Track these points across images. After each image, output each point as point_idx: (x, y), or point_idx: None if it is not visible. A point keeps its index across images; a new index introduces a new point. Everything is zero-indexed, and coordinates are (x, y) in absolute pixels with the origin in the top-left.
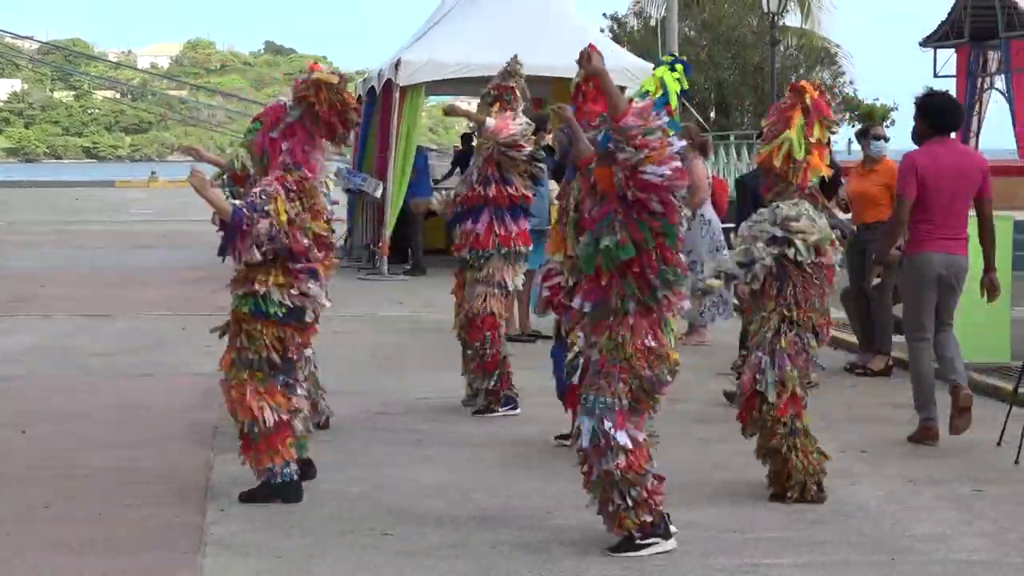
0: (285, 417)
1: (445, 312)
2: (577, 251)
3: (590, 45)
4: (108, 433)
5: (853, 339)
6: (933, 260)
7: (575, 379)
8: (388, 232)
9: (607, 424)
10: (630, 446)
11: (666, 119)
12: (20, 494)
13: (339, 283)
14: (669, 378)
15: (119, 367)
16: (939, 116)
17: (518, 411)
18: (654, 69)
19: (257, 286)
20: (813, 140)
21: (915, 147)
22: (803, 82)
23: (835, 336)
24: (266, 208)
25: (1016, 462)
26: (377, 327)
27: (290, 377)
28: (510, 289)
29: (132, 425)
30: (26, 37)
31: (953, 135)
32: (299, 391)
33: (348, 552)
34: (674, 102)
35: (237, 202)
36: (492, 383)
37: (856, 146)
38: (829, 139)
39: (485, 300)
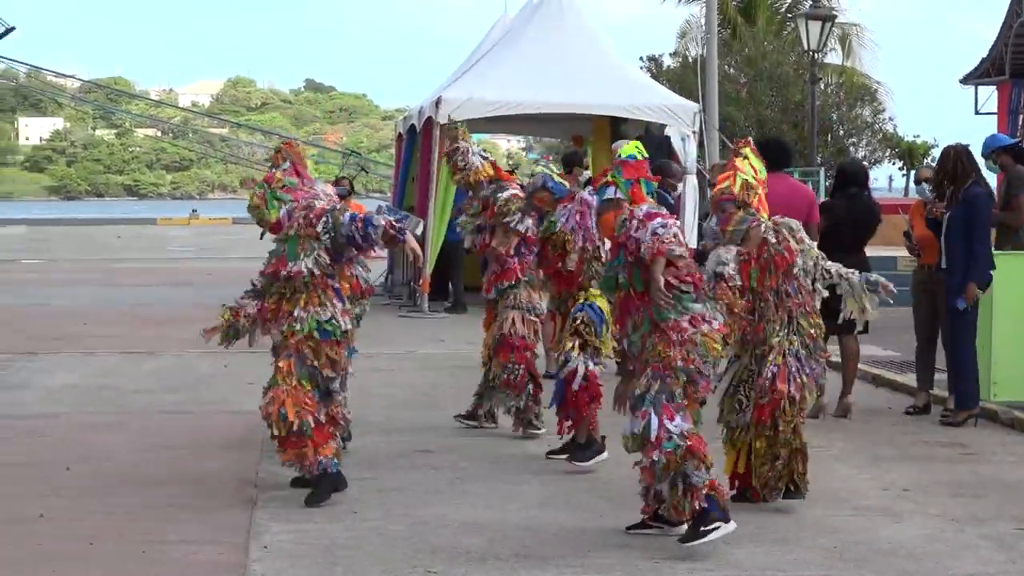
0: (326, 421)
1: None
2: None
3: None
4: (150, 471)
5: (897, 378)
6: None
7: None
8: (428, 270)
9: (656, 416)
10: (684, 432)
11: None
12: (65, 531)
13: (380, 321)
14: (715, 368)
15: (161, 405)
16: (766, 155)
17: (542, 431)
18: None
19: (317, 315)
20: (758, 175)
21: None
22: (740, 141)
23: (879, 375)
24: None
25: None
26: (417, 365)
27: (332, 388)
28: (539, 311)
29: (174, 463)
30: (68, 76)
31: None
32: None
33: None
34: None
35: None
36: (522, 403)
37: (897, 183)
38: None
39: (514, 323)
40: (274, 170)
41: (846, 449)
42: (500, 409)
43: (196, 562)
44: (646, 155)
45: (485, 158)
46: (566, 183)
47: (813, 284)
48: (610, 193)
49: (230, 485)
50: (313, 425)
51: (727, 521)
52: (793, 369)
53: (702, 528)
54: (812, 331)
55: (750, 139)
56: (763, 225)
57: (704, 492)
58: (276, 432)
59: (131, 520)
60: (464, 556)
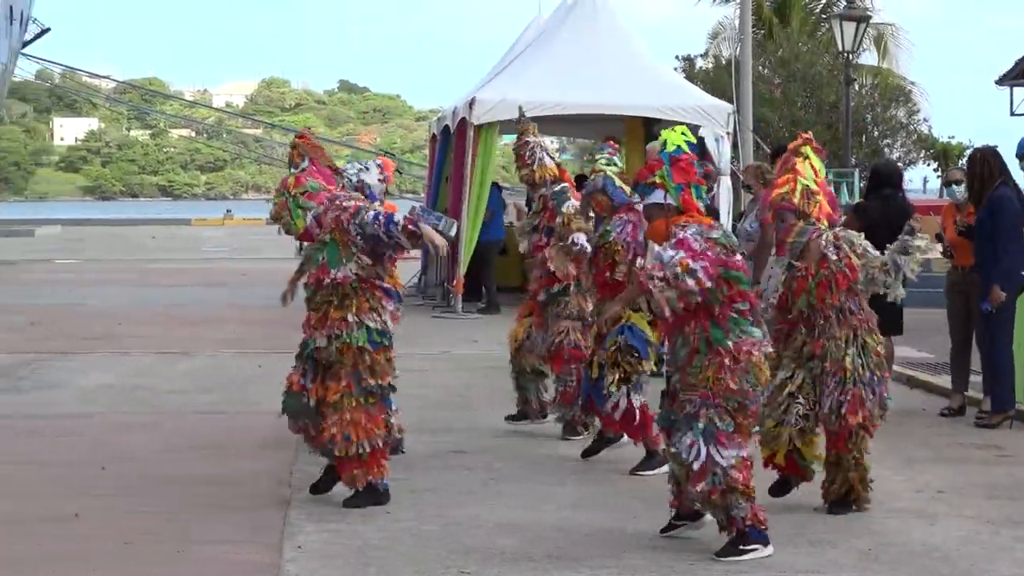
0: (384, 442)
1: None
2: None
3: None
4: (185, 471)
5: (932, 380)
6: None
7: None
8: (462, 270)
9: (705, 447)
10: (732, 463)
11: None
12: (100, 531)
13: (413, 321)
14: (761, 393)
15: (195, 405)
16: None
17: (580, 436)
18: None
19: (369, 322)
20: (818, 178)
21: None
22: (801, 136)
23: (914, 377)
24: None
25: None
26: (451, 365)
27: (388, 400)
28: (589, 320)
29: (208, 463)
30: (103, 76)
31: None
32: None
33: None
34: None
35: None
36: (572, 414)
37: (932, 184)
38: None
39: (568, 333)
40: (292, 172)
41: (880, 451)
42: (553, 416)
43: (230, 562)
44: (694, 141)
45: (551, 157)
46: (627, 189)
47: (886, 288)
48: (659, 197)
49: (264, 485)
50: (369, 449)
51: (766, 545)
52: (852, 397)
53: (741, 547)
54: (878, 348)
55: (810, 135)
56: (824, 237)
57: (746, 522)
58: (338, 453)
59: (165, 520)
60: (498, 557)
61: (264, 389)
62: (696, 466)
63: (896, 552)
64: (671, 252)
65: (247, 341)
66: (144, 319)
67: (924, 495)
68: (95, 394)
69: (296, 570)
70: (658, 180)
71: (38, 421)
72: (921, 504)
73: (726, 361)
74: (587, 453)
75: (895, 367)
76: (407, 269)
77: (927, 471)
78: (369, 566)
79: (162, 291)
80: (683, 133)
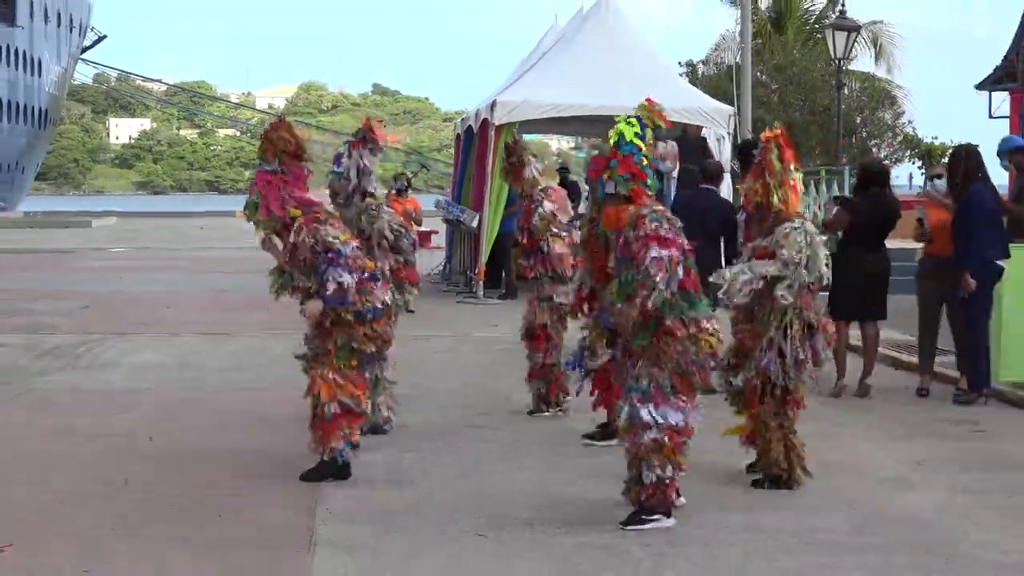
0: (358, 407)
1: None
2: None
3: None
4: (227, 441)
5: (915, 360)
6: None
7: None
8: (483, 260)
9: (643, 405)
10: (664, 424)
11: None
12: (147, 495)
13: (438, 306)
14: (711, 362)
15: (238, 382)
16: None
17: (563, 413)
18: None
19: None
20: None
21: None
22: (768, 132)
23: (896, 358)
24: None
25: None
26: (474, 346)
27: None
28: (557, 302)
29: (248, 435)
30: (155, 80)
31: None
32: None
33: (444, 552)
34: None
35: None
36: (542, 388)
37: (917, 181)
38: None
39: (537, 315)
40: (262, 169)
41: (865, 426)
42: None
43: (267, 525)
44: (652, 131)
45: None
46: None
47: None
48: (610, 188)
49: (299, 455)
50: (335, 411)
51: (668, 516)
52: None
53: (643, 516)
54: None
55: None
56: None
57: (659, 488)
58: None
59: (207, 487)
60: (515, 521)
61: (299, 367)
62: (632, 423)
63: (878, 519)
64: (665, 252)
65: (285, 324)
66: (191, 304)
67: (905, 467)
68: (145, 372)
69: (327, 533)
70: (606, 176)
71: (93, 396)
72: (901, 474)
73: (667, 336)
74: (589, 436)
75: (881, 349)
76: (433, 258)
77: (907, 445)
78: (395, 529)
79: (208, 277)
80: (631, 122)
